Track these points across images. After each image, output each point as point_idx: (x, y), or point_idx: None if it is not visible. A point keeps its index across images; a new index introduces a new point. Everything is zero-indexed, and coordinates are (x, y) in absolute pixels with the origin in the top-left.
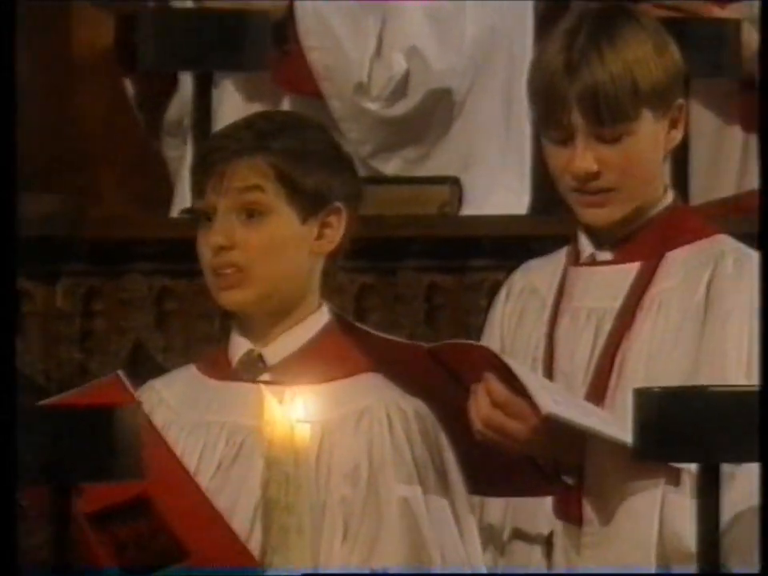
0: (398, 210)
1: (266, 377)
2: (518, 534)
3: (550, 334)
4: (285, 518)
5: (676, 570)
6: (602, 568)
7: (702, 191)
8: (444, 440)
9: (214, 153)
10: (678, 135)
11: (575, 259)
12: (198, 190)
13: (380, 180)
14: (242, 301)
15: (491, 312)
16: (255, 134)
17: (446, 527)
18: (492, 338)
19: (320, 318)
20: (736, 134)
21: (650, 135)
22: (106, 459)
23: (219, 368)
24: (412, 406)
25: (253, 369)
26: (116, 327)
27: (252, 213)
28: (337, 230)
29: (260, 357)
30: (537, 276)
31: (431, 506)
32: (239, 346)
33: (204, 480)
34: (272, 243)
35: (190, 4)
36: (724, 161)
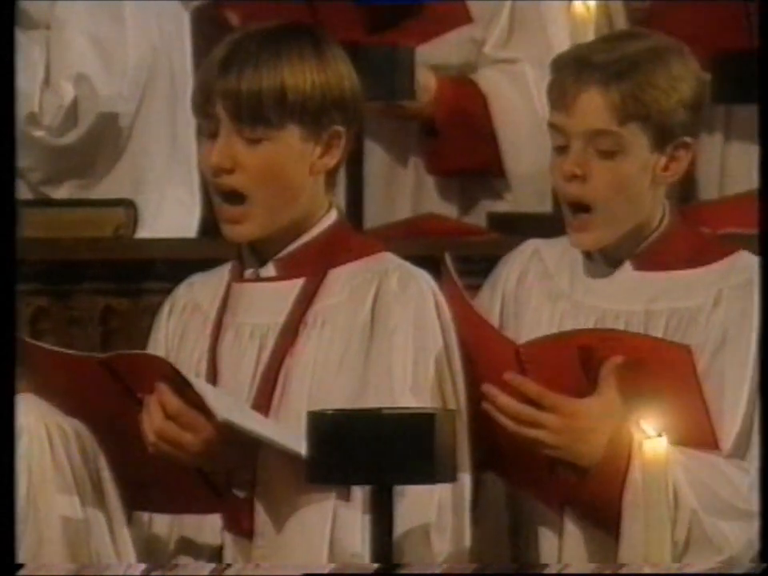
0: (73, 232)
1: None
2: (185, 545)
3: (213, 349)
4: None
5: None
6: None
7: (375, 217)
8: (103, 461)
9: None
10: (330, 161)
11: (239, 275)
12: None
13: (54, 203)
14: None
15: (154, 328)
16: None
17: (102, 539)
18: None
19: None
20: (409, 166)
21: (295, 150)
22: None
23: None
24: (71, 425)
25: None
26: None
27: None
28: None
29: None
30: (200, 291)
31: (90, 521)
32: None
33: None
34: None
35: None
36: (395, 189)
